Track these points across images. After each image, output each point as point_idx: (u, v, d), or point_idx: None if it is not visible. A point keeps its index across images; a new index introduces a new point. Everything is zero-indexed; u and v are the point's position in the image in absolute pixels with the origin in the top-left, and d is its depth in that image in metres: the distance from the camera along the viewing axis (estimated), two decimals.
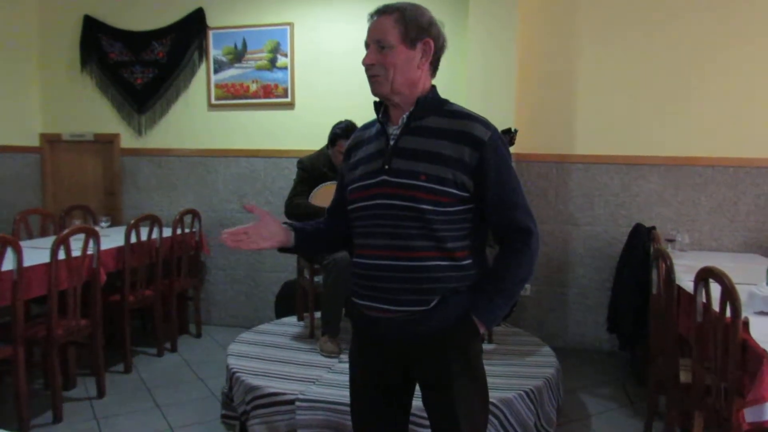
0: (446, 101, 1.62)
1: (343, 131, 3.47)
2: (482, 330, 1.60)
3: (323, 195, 3.54)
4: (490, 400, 1.74)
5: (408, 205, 1.51)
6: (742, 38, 4.06)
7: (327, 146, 3.62)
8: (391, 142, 1.58)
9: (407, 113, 1.58)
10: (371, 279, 1.59)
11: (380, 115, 1.64)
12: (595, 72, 4.30)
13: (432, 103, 1.59)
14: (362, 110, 3.76)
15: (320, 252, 1.78)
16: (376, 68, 1.55)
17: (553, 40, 4.35)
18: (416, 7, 1.56)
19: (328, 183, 3.58)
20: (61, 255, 3.16)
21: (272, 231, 1.65)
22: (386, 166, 1.55)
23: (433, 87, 1.62)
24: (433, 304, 1.54)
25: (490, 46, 4.19)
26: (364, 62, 1.56)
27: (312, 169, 3.60)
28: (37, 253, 3.34)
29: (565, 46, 4.33)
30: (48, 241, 3.42)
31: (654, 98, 4.22)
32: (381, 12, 1.55)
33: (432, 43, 1.56)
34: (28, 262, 3.02)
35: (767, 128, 4.07)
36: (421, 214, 1.50)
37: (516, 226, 1.56)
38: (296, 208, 3.51)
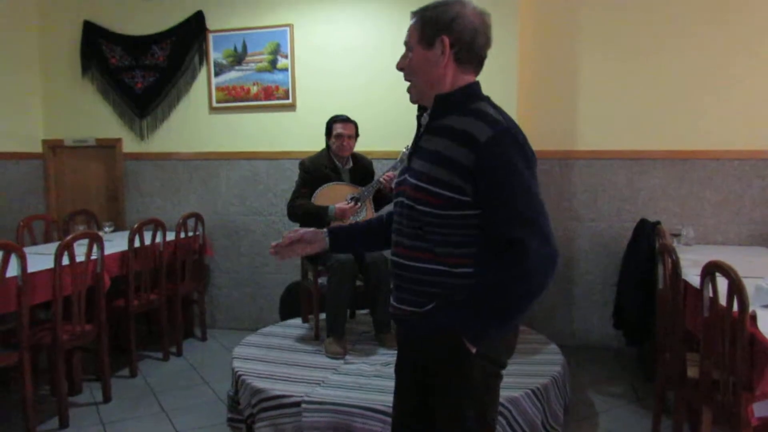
0: (476, 99, 1.51)
1: (334, 116, 3.58)
2: (471, 348, 1.44)
3: (326, 195, 3.54)
4: None
5: (410, 205, 1.50)
6: (744, 30, 4.03)
7: (326, 142, 3.65)
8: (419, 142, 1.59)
9: (428, 112, 1.57)
10: (392, 276, 1.62)
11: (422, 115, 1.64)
12: (597, 66, 4.28)
13: (452, 101, 1.51)
14: (363, 110, 3.78)
15: (379, 243, 1.77)
16: (406, 72, 1.57)
17: (555, 35, 4.33)
18: (440, 5, 1.51)
19: (331, 183, 3.57)
20: (65, 260, 3.17)
21: (309, 239, 1.76)
22: (409, 165, 1.57)
23: (470, 84, 1.53)
24: (426, 308, 1.51)
25: (492, 41, 4.17)
26: (396, 66, 1.58)
27: (314, 170, 3.61)
28: (41, 258, 3.34)
29: (568, 41, 4.31)
30: (52, 247, 3.42)
31: (656, 92, 4.19)
32: (412, 14, 1.55)
33: (447, 40, 1.47)
34: (32, 268, 3.02)
35: None
36: (419, 215, 1.48)
37: (509, 237, 1.39)
38: (298, 209, 3.52)
